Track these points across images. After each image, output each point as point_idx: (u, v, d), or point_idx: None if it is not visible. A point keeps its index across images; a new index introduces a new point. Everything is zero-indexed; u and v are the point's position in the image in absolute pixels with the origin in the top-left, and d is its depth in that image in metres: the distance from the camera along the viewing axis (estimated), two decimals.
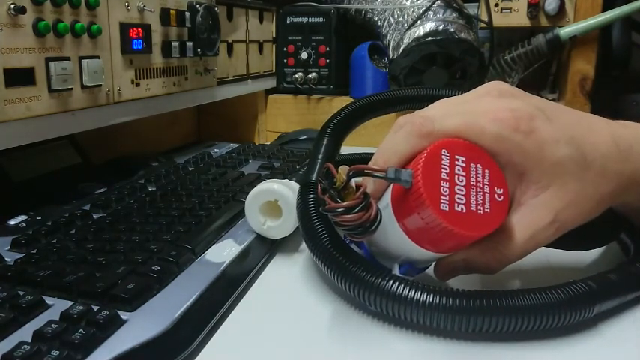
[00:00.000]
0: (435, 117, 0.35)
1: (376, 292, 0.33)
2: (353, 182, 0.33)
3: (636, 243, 0.42)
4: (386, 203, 0.35)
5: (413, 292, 0.32)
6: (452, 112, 0.36)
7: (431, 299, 0.31)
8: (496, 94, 0.37)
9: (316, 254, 0.38)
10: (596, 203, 0.35)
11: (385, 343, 0.33)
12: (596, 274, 0.35)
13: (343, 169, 0.33)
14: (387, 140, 0.36)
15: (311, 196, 0.41)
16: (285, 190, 0.45)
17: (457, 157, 0.33)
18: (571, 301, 0.32)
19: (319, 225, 0.38)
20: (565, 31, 0.86)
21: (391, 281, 0.33)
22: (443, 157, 0.33)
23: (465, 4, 0.86)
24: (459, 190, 0.32)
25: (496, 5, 0.90)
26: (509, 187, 0.34)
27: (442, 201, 0.31)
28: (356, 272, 0.34)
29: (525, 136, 0.34)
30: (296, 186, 0.46)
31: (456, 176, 0.33)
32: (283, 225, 0.46)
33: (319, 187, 0.34)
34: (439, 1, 0.84)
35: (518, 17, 0.90)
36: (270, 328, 0.35)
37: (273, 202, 0.45)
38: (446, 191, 0.32)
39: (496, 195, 0.33)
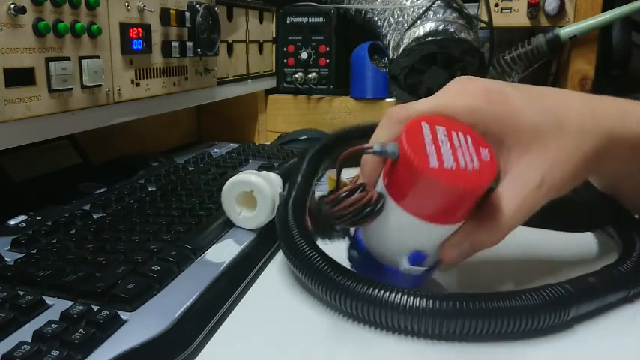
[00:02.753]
0: (410, 104, 0.37)
1: (357, 298, 0.33)
2: (346, 181, 0.34)
3: (625, 243, 0.42)
4: (379, 189, 0.35)
5: (388, 295, 0.32)
6: (426, 99, 0.37)
7: (404, 302, 0.32)
8: (466, 81, 0.38)
9: (294, 263, 0.38)
10: (581, 161, 0.36)
11: (383, 342, 0.33)
12: (576, 276, 0.35)
13: (330, 176, 0.33)
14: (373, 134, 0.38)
15: (290, 212, 0.41)
16: (260, 182, 0.45)
17: (437, 127, 0.34)
18: (545, 304, 0.32)
19: (297, 236, 0.39)
20: (565, 31, 0.86)
21: (368, 287, 0.33)
22: (423, 127, 0.34)
23: (465, 4, 0.86)
24: (445, 151, 0.32)
25: (496, 5, 0.90)
26: None
27: (430, 160, 0.31)
28: (346, 284, 0.34)
29: (499, 104, 0.35)
30: (275, 177, 0.47)
31: (440, 141, 0.33)
32: (258, 216, 0.46)
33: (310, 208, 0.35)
34: (439, 1, 0.84)
35: (518, 17, 0.90)
36: (270, 328, 0.35)
37: (249, 192, 0.45)
38: (432, 152, 0.32)
39: (482, 155, 0.33)
